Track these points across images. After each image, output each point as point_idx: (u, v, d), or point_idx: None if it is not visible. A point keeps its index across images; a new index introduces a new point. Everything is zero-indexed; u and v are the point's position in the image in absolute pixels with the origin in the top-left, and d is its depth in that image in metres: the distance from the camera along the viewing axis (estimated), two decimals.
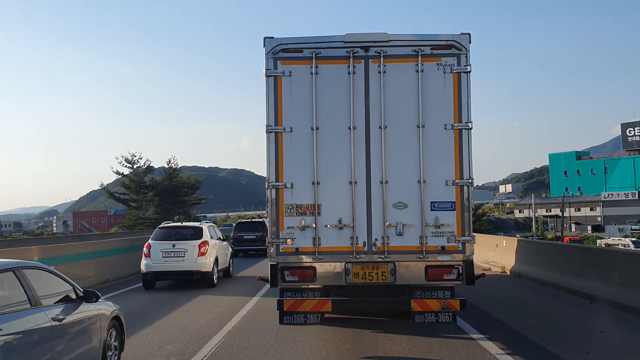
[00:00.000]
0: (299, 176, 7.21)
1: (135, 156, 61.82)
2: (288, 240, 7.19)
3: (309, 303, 7.25)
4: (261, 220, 27.52)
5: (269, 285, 7.38)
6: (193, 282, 13.65)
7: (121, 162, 62.05)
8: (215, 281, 13.81)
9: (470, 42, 7.26)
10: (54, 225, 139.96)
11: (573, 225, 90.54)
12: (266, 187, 7.30)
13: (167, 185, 63.05)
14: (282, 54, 7.27)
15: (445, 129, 7.18)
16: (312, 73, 7.24)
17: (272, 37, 7.31)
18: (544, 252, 13.98)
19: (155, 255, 13.39)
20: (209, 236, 14.10)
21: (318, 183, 7.19)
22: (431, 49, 7.25)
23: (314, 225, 7.15)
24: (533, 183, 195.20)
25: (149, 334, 8.30)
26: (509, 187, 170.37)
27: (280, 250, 7.20)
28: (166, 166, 66.04)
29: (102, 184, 64.49)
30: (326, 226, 7.16)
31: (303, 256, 7.19)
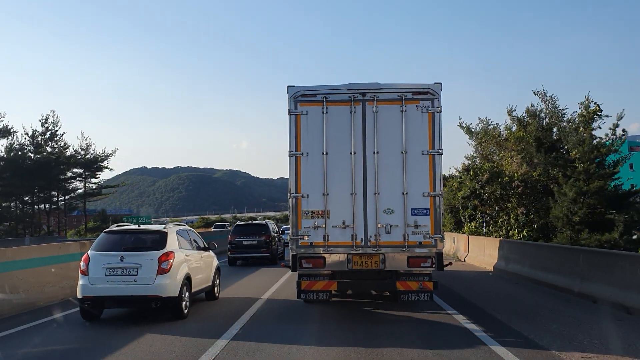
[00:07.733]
0: (313, 189, 9.59)
1: None
2: (305, 237, 9.58)
3: (320, 284, 9.68)
4: (263, 222, 23.25)
5: (291, 271, 9.83)
6: (153, 310, 9.67)
7: None
8: (186, 310, 9.87)
9: (441, 89, 9.66)
10: None
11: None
12: (288, 197, 9.72)
13: (38, 158, 38.79)
14: (301, 98, 9.66)
15: (423, 154, 9.53)
16: (323, 112, 9.63)
17: (294, 86, 9.70)
18: None
19: (96, 273, 9.41)
20: (176, 245, 10.18)
21: (327, 194, 9.55)
22: (412, 94, 9.62)
23: (324, 226, 9.51)
24: None
25: None
26: None
27: (299, 244, 9.61)
28: (40, 130, 41.44)
29: None
30: (333, 226, 9.51)
31: (316, 249, 9.57)
